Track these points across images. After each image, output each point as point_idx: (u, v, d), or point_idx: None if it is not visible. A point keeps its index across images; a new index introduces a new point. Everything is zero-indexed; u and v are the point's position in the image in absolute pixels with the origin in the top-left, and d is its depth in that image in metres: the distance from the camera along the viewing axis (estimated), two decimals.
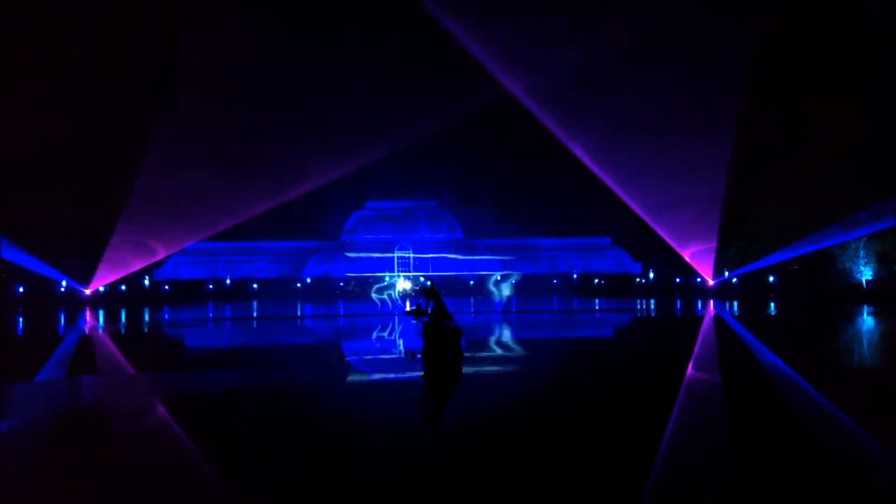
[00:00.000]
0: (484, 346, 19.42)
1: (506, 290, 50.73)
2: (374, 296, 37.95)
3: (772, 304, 44.55)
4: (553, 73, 53.45)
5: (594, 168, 56.87)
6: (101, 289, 63.01)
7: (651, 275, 76.48)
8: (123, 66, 57.88)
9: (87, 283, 62.49)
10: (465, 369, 13.63)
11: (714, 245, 60.94)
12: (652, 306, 44.36)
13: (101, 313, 41.53)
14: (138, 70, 58.36)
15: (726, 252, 65.87)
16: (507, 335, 24.18)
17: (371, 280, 64.71)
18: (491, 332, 24.89)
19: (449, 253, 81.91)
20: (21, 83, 55.55)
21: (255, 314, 39.74)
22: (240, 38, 54.96)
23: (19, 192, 60.69)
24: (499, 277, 57.70)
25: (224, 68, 53.48)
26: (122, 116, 60.77)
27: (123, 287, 65.79)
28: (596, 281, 76.42)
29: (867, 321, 29.93)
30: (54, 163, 61.70)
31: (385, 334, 25.18)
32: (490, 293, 51.56)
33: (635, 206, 58.21)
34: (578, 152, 56.21)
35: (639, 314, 37.44)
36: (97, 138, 61.70)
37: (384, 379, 14.01)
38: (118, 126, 61.23)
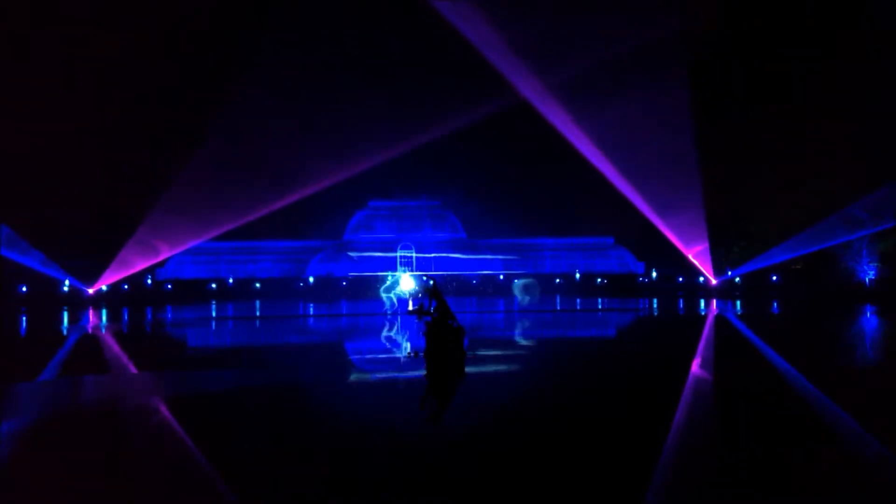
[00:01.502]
0: (487, 344, 19.40)
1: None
2: (382, 295, 37.82)
3: (775, 304, 44.45)
4: (558, 73, 53.43)
5: (598, 167, 56.85)
6: (104, 288, 63.01)
7: (654, 274, 76.28)
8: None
9: (92, 283, 62.53)
10: (468, 368, 13.62)
11: (717, 244, 60.87)
12: (655, 306, 44.30)
13: (103, 313, 41.58)
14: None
15: (727, 251, 65.68)
16: (510, 334, 24.17)
17: (374, 280, 64.69)
18: (494, 332, 24.87)
19: (452, 252, 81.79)
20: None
21: (257, 314, 39.76)
22: (242, 38, 55.10)
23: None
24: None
25: (233, 71, 53.73)
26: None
27: (126, 287, 65.73)
28: (599, 280, 76.22)
29: (870, 320, 29.85)
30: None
31: (387, 334, 25.17)
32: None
33: (639, 206, 58.15)
34: (582, 152, 56.20)
35: (642, 313, 37.38)
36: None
37: (387, 378, 14.01)
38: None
